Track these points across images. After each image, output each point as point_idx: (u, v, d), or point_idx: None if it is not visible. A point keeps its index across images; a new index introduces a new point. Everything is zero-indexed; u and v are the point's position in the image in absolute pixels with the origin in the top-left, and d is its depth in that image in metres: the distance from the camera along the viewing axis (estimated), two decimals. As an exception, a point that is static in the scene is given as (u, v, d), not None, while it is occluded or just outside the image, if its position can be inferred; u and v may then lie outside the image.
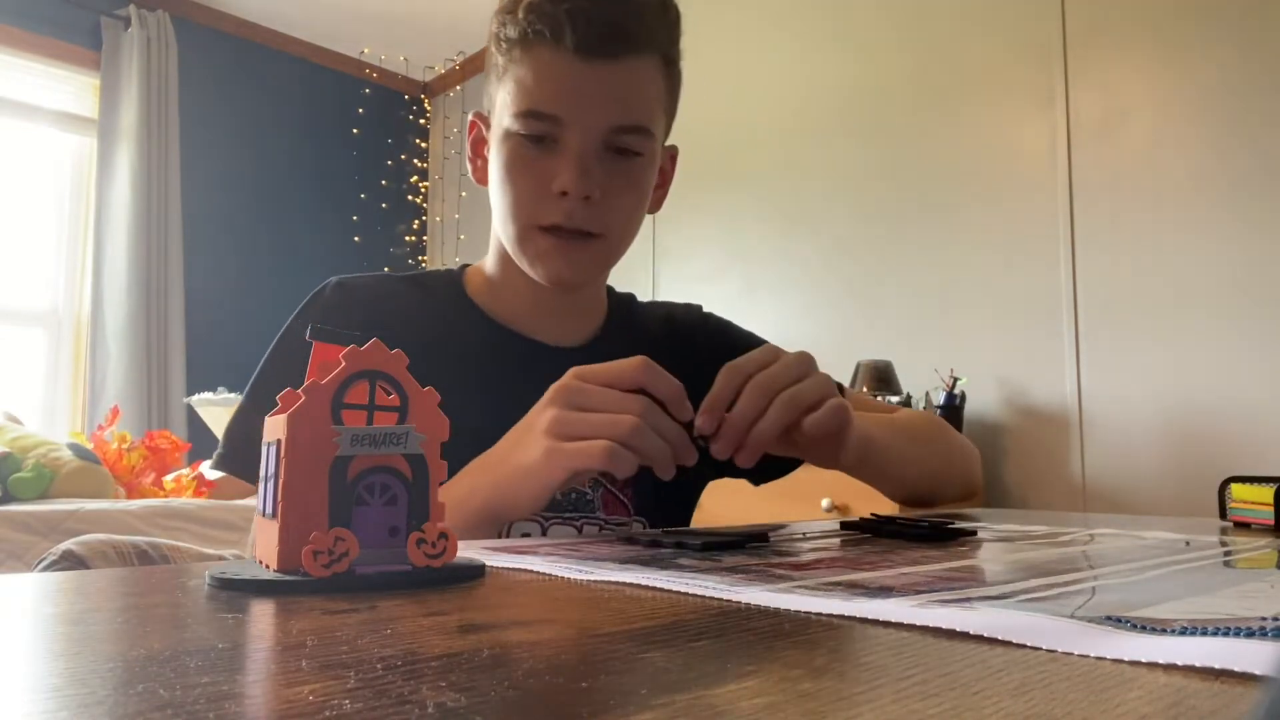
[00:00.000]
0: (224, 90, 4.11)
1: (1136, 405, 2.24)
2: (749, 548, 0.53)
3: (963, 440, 0.94)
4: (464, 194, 4.34)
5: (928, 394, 2.48)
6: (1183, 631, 0.27)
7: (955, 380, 2.48)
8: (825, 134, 2.99)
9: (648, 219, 0.89)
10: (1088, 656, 0.25)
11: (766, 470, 0.93)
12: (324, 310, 0.81)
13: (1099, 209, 2.35)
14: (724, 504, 2.55)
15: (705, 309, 1.00)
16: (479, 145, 0.83)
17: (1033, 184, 2.47)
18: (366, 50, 4.34)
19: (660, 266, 3.47)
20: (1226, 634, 0.26)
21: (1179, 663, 0.23)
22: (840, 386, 0.91)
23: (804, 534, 0.64)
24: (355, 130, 4.41)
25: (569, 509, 0.78)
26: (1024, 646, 0.26)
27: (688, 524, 0.95)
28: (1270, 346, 2.06)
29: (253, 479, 0.75)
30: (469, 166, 0.84)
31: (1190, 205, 2.20)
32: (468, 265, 0.90)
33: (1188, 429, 2.17)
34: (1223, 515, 0.82)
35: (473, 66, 4.38)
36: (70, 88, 3.75)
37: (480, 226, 4.25)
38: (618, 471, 0.55)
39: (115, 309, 3.62)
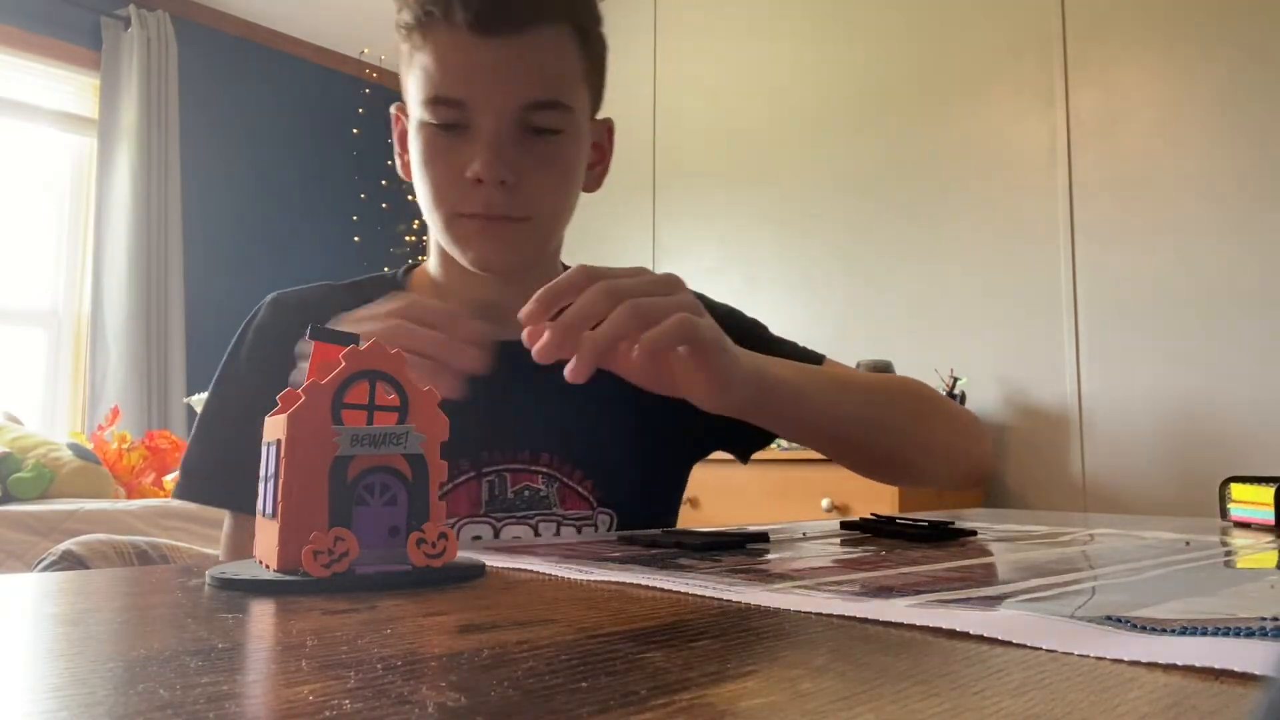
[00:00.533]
0: (224, 90, 4.11)
1: (1136, 405, 2.24)
2: (749, 548, 0.53)
3: (957, 412, 0.82)
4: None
5: (928, 394, 2.48)
6: (1183, 631, 0.27)
7: (955, 380, 2.48)
8: (825, 134, 2.99)
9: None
10: (1088, 656, 0.25)
11: (746, 439, 0.85)
12: (258, 332, 0.79)
13: (1099, 209, 2.35)
14: (724, 504, 2.56)
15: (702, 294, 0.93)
16: (403, 139, 0.79)
17: (1033, 184, 2.47)
18: (366, 50, 4.34)
19: (660, 266, 3.47)
20: (1226, 634, 0.26)
21: (1179, 663, 0.23)
22: (818, 355, 0.85)
23: (804, 534, 0.64)
24: (355, 130, 4.41)
25: (522, 507, 0.75)
26: (1024, 646, 0.26)
27: (674, 514, 0.88)
28: (1270, 346, 2.06)
29: (217, 502, 0.75)
30: (397, 163, 0.81)
31: (1190, 205, 2.20)
32: (414, 266, 0.87)
33: (1188, 429, 2.17)
34: (1223, 515, 0.82)
35: (473, 66, 4.38)
36: (70, 88, 3.75)
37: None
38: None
39: (115, 309, 3.62)
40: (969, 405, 2.50)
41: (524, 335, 0.54)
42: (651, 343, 0.54)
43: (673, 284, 0.58)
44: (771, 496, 2.43)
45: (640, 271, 0.58)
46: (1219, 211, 2.15)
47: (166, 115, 3.79)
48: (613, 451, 0.79)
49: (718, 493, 2.51)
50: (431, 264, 0.84)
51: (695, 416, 0.69)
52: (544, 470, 0.77)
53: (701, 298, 0.85)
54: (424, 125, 0.72)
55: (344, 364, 0.40)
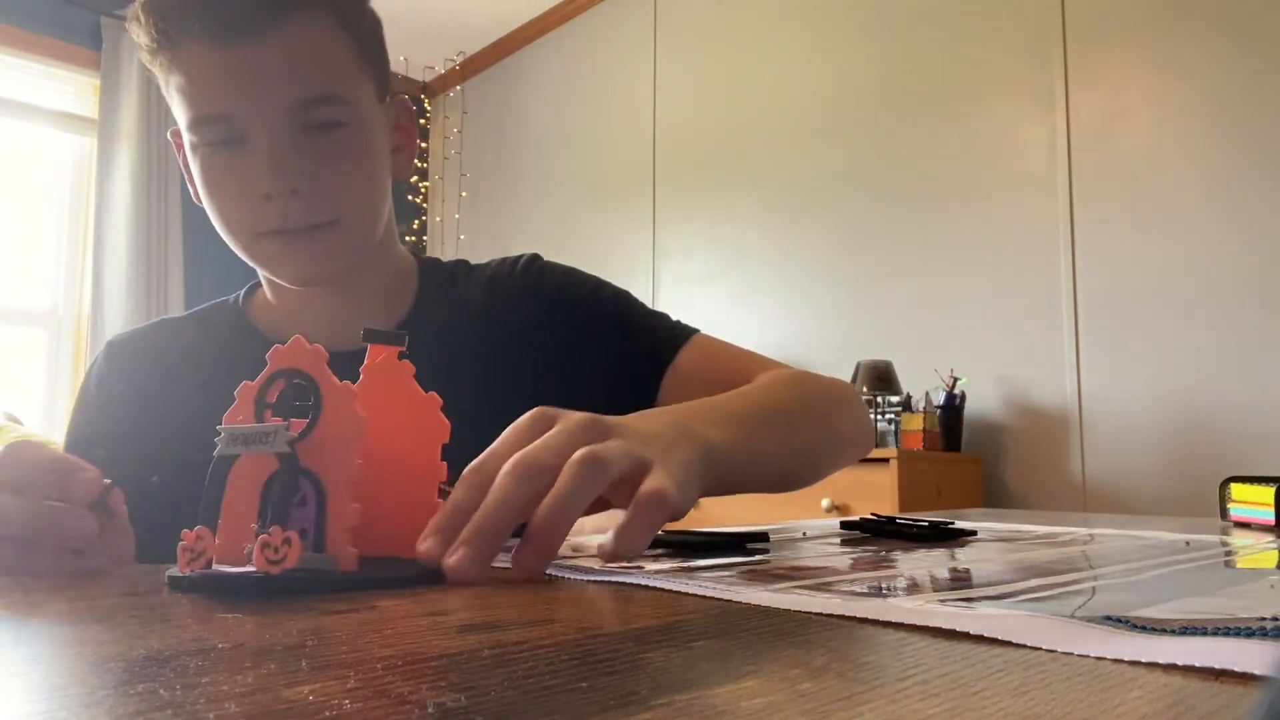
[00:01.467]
0: (224, 90, 4.11)
1: (1136, 405, 2.24)
2: (749, 548, 0.53)
3: (844, 394, 0.77)
4: (464, 194, 4.34)
5: (928, 394, 2.48)
6: (1183, 631, 0.27)
7: (955, 380, 2.48)
8: (825, 134, 2.99)
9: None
10: (1088, 656, 0.25)
11: None
12: (99, 380, 0.77)
13: (1099, 209, 2.35)
14: (724, 504, 2.55)
15: (544, 260, 0.84)
16: (186, 165, 0.72)
17: (1033, 184, 2.47)
18: None
19: (660, 266, 3.47)
20: (1226, 634, 0.26)
21: (1179, 663, 0.23)
22: (683, 333, 0.79)
23: (804, 534, 0.64)
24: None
25: None
26: (1024, 646, 0.26)
27: None
28: (1270, 346, 2.06)
29: None
30: (190, 189, 0.73)
31: (1190, 205, 2.20)
32: (256, 286, 0.82)
33: (1188, 429, 2.17)
34: (1223, 515, 0.82)
35: (473, 66, 4.38)
36: (70, 88, 3.75)
37: (481, 226, 4.25)
38: None
39: (115, 309, 3.62)
40: (969, 405, 2.50)
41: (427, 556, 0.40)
42: (626, 545, 0.42)
43: (586, 430, 0.44)
44: (771, 496, 2.42)
45: (538, 422, 0.45)
46: (1219, 212, 2.15)
47: (166, 115, 3.79)
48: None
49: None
50: (265, 282, 0.78)
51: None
52: None
53: (586, 280, 0.80)
54: (197, 147, 0.67)
55: (269, 363, 0.40)
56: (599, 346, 0.78)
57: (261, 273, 0.75)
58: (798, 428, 0.67)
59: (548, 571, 0.42)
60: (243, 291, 0.82)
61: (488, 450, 0.44)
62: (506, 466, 0.41)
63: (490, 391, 0.68)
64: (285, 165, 0.64)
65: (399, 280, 0.80)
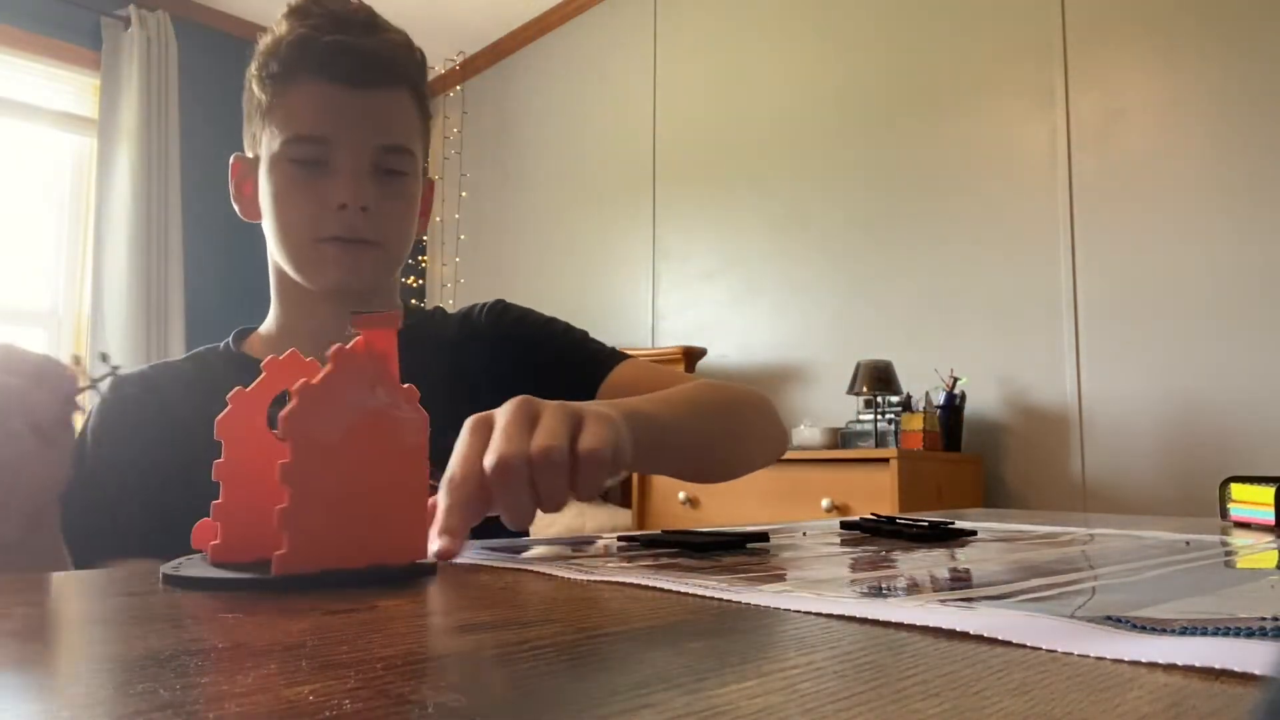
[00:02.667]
0: (224, 90, 4.10)
1: (1136, 405, 2.24)
2: (749, 548, 0.53)
3: (757, 401, 0.86)
4: (464, 194, 4.34)
5: (928, 394, 2.48)
6: (1183, 631, 0.27)
7: (955, 380, 2.48)
8: (825, 134, 2.99)
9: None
10: (1088, 656, 0.25)
11: None
12: (103, 415, 0.83)
13: (1099, 209, 2.35)
14: (724, 504, 2.56)
15: (509, 304, 0.97)
16: (243, 184, 0.86)
17: (1033, 184, 2.47)
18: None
19: (660, 266, 3.47)
20: (1226, 634, 0.26)
21: (1179, 663, 0.23)
22: (620, 356, 0.89)
23: (804, 534, 0.64)
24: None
25: None
26: (1024, 646, 0.26)
27: None
28: (1270, 346, 2.06)
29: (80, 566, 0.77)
30: (236, 206, 0.87)
31: (1190, 205, 2.20)
32: (248, 330, 0.91)
33: (1188, 429, 2.17)
34: (1223, 515, 0.82)
35: (473, 66, 4.38)
36: (70, 88, 3.75)
37: (481, 226, 4.25)
38: None
39: (115, 309, 3.62)
40: (969, 405, 2.50)
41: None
42: (584, 496, 0.52)
43: (527, 417, 0.52)
44: (771, 496, 2.43)
45: (481, 425, 0.53)
46: (1219, 212, 2.16)
47: (166, 115, 3.79)
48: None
49: (718, 493, 2.51)
50: (270, 319, 0.88)
51: None
52: None
53: (551, 323, 0.94)
54: (283, 162, 0.79)
55: (266, 374, 0.44)
56: (547, 364, 0.89)
57: (289, 288, 0.85)
58: (710, 415, 0.77)
59: (547, 572, 0.42)
60: (231, 337, 0.91)
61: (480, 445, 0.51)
62: (495, 480, 0.49)
63: (458, 412, 0.76)
64: (363, 187, 0.79)
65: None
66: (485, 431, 0.52)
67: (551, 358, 0.90)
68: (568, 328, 0.95)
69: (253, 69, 0.81)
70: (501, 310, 0.94)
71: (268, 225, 0.83)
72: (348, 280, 0.81)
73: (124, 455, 0.80)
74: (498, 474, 0.49)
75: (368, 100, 0.79)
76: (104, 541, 0.77)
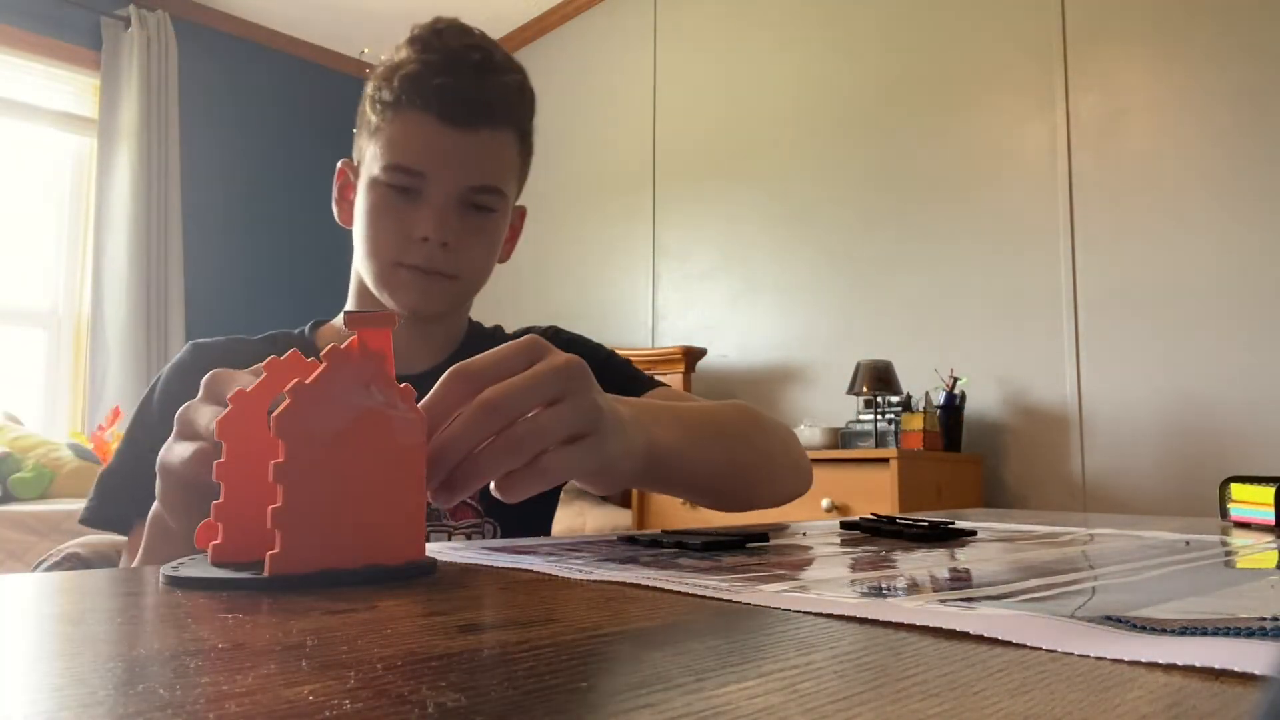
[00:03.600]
0: (224, 90, 4.11)
1: (1136, 405, 2.24)
2: (749, 548, 0.53)
3: (788, 437, 0.85)
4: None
5: (928, 394, 2.48)
6: (1183, 631, 0.27)
7: (955, 380, 2.48)
8: (825, 134, 2.99)
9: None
10: (1088, 656, 0.25)
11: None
12: (180, 372, 0.86)
13: (1099, 209, 2.35)
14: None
15: (561, 329, 1.03)
16: (345, 190, 0.91)
17: (1033, 184, 2.47)
18: (366, 50, 4.35)
19: (660, 266, 3.47)
20: (1226, 634, 0.26)
21: (1179, 663, 0.23)
22: (656, 382, 0.93)
23: (804, 534, 0.64)
24: (355, 130, 4.41)
25: None
26: (1024, 646, 0.26)
27: (549, 523, 0.98)
28: (1270, 346, 2.06)
29: (124, 532, 0.79)
30: (335, 210, 0.92)
31: (1190, 205, 2.20)
32: (322, 321, 0.95)
33: (1188, 429, 2.17)
34: (1223, 515, 0.82)
35: (473, 66, 4.38)
36: (70, 88, 3.75)
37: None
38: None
39: (115, 309, 3.62)
40: (969, 405, 2.50)
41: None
42: (507, 495, 0.48)
43: (565, 375, 0.50)
44: (771, 496, 2.42)
45: (527, 353, 0.50)
46: (1219, 212, 2.16)
47: (166, 115, 3.79)
48: None
49: (718, 493, 2.51)
50: (350, 307, 0.92)
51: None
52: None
53: (599, 349, 0.98)
54: (380, 184, 0.83)
55: (266, 374, 0.44)
56: None
57: (367, 288, 0.89)
58: (735, 444, 0.75)
59: (547, 572, 0.43)
60: (307, 326, 0.94)
61: (494, 364, 0.49)
62: (472, 404, 0.47)
63: None
64: (448, 222, 0.82)
65: (455, 331, 0.98)
66: (525, 360, 0.49)
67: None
68: (611, 354, 1.00)
69: (369, 88, 0.85)
70: (553, 334, 1.01)
71: (357, 238, 0.87)
72: (419, 308, 0.85)
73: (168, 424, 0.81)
74: (479, 403, 0.46)
75: (467, 140, 0.81)
76: (145, 499, 0.78)
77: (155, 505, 0.58)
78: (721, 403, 0.81)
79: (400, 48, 0.83)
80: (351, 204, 0.89)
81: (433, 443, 0.45)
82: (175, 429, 0.53)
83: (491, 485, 0.48)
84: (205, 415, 0.50)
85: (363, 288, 0.89)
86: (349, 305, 0.92)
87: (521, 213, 0.96)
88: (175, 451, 0.52)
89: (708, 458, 0.70)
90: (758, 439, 0.79)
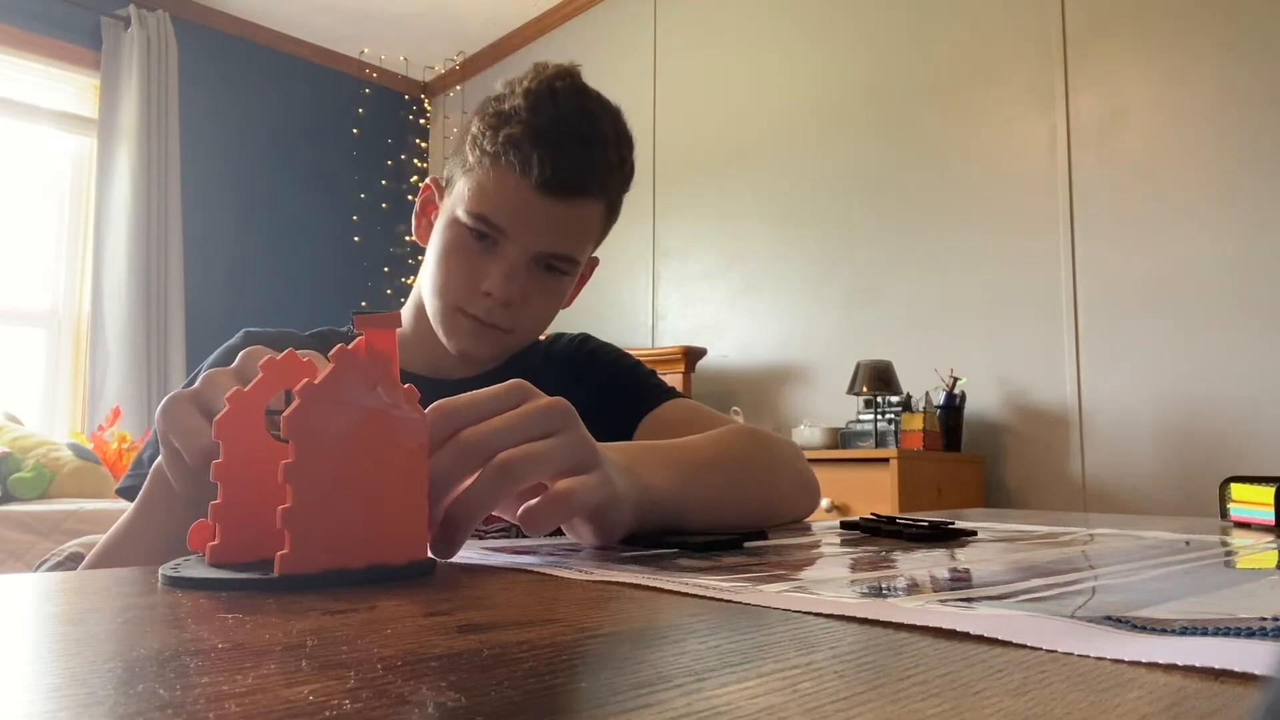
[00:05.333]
0: (224, 90, 4.11)
1: (1136, 405, 2.24)
2: (749, 548, 0.53)
3: (795, 462, 0.84)
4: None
5: (928, 394, 2.48)
6: (1183, 631, 0.27)
7: (955, 380, 2.48)
8: (825, 134, 2.99)
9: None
10: (1088, 656, 0.25)
11: None
12: (229, 355, 0.86)
13: (1099, 209, 2.35)
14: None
15: (591, 337, 1.05)
16: (428, 206, 0.91)
17: (1033, 184, 2.47)
18: (366, 50, 4.35)
19: (660, 266, 3.46)
20: (1226, 634, 0.26)
21: (1179, 663, 0.23)
22: (674, 393, 0.94)
23: (804, 534, 0.64)
24: (355, 130, 4.41)
25: None
26: (1024, 646, 0.26)
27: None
28: (1270, 346, 2.06)
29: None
30: (414, 222, 0.93)
31: (1190, 205, 2.20)
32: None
33: (1188, 428, 2.17)
34: (1223, 515, 0.82)
35: (473, 66, 4.38)
36: (70, 88, 3.75)
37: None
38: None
39: (115, 309, 3.62)
40: (969, 405, 2.50)
41: None
42: (530, 520, 0.47)
43: (550, 416, 0.49)
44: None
45: (508, 398, 0.49)
46: (1218, 211, 2.15)
47: (166, 115, 3.79)
48: None
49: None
50: (406, 314, 0.93)
51: None
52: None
53: (623, 358, 1.01)
54: (460, 225, 0.83)
55: (262, 374, 0.43)
56: (603, 385, 0.95)
57: (414, 311, 0.92)
58: (737, 474, 0.73)
59: (547, 571, 0.43)
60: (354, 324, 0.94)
61: (473, 407, 0.48)
62: (449, 444, 0.46)
63: None
64: (513, 283, 0.83)
65: None
66: (510, 402, 0.49)
67: (606, 378, 0.96)
68: (636, 363, 1.01)
69: (475, 125, 0.84)
70: (582, 342, 1.03)
71: (428, 267, 0.88)
72: (470, 354, 0.87)
73: None
74: (457, 443, 0.45)
75: (555, 209, 0.81)
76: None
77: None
78: (724, 430, 0.79)
79: (515, 94, 0.81)
80: (431, 224, 0.89)
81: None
82: (196, 389, 0.51)
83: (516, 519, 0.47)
84: (226, 384, 0.49)
85: (421, 311, 0.90)
86: (408, 309, 0.93)
87: (593, 264, 0.96)
88: (185, 424, 0.50)
89: (707, 494, 0.67)
90: (761, 466, 0.77)
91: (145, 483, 0.61)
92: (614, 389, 0.95)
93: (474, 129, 0.84)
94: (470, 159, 0.84)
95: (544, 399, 0.50)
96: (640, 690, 0.21)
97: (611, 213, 0.89)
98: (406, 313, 0.93)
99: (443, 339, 0.87)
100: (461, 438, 0.46)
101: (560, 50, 4.00)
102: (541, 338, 1.03)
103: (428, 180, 0.92)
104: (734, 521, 0.72)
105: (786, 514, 0.81)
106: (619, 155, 0.86)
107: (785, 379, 3.00)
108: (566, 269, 0.86)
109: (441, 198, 0.89)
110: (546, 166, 0.79)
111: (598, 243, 0.91)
